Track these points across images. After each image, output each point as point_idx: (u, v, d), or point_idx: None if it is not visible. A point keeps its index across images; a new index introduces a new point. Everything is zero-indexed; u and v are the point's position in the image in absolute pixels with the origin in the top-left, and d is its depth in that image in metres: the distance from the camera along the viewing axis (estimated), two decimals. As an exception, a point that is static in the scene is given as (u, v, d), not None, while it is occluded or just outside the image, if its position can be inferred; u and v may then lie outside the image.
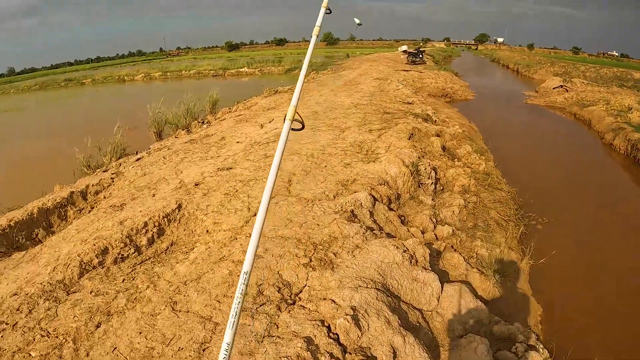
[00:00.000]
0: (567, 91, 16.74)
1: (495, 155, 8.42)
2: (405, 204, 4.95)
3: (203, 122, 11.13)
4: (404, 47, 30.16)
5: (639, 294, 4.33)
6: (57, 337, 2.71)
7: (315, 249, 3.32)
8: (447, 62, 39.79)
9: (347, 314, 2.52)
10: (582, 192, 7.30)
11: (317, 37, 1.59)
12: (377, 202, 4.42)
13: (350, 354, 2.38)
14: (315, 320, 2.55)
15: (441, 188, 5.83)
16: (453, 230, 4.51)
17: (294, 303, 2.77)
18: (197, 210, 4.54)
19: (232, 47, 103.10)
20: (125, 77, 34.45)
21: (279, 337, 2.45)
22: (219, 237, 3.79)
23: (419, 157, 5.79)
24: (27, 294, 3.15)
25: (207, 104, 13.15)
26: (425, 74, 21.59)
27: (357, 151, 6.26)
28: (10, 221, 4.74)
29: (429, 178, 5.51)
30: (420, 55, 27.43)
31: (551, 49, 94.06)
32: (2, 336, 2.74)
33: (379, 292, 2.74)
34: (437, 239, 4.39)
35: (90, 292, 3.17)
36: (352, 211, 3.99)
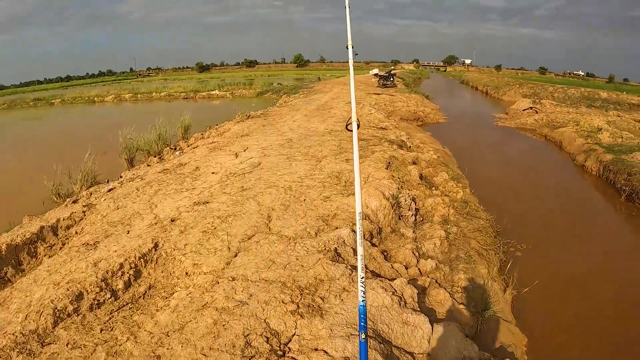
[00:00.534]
0: (537, 112, 17.54)
1: (470, 181, 8.69)
2: (387, 238, 5.02)
3: (175, 149, 11.04)
4: (376, 71, 31.02)
5: (613, 309, 4.74)
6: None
7: (302, 294, 3.32)
8: (417, 85, 41.11)
9: (339, 365, 2.52)
10: (557, 215, 7.63)
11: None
12: (359, 238, 4.46)
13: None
14: (306, 372, 2.54)
15: (421, 219, 5.95)
16: (436, 264, 4.60)
17: (284, 354, 2.75)
18: (174, 249, 4.46)
19: (203, 68, 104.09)
20: (95, 98, 34.40)
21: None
22: (200, 280, 3.73)
23: (398, 189, 5.91)
24: (-1, 346, 3.00)
25: (179, 129, 13.07)
26: (397, 97, 22.19)
27: (335, 183, 6.33)
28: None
29: (409, 210, 5.62)
30: (392, 79, 28.24)
31: (518, 69, 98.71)
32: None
33: (371, 340, 2.75)
34: (421, 273, 4.46)
35: (67, 345, 3.04)
36: (335, 249, 4.02)
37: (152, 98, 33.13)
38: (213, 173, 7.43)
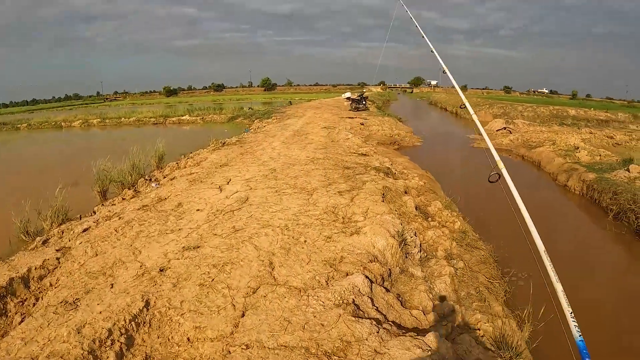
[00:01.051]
0: (511, 132, 18.00)
1: (458, 206, 8.63)
2: (398, 280, 4.80)
3: (150, 180, 10.56)
4: (348, 94, 31.38)
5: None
6: None
7: (330, 361, 3.00)
8: (387, 107, 41.78)
9: None
10: (550, 237, 7.62)
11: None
12: (373, 283, 4.23)
13: None
14: None
15: (425, 254, 5.78)
16: (453, 307, 4.39)
17: None
18: (169, 308, 4.06)
19: (171, 92, 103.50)
20: (63, 123, 33.35)
21: None
22: (207, 350, 3.35)
23: (401, 224, 5.72)
24: None
25: (152, 157, 12.58)
26: (371, 121, 22.41)
27: (334, 219, 6.10)
28: None
29: (415, 246, 5.43)
30: (364, 102, 28.58)
31: (483, 89, 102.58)
32: None
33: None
34: (439, 318, 4.24)
35: None
36: (353, 301, 3.75)
37: (121, 123, 32.42)
38: (198, 210, 7.03)
